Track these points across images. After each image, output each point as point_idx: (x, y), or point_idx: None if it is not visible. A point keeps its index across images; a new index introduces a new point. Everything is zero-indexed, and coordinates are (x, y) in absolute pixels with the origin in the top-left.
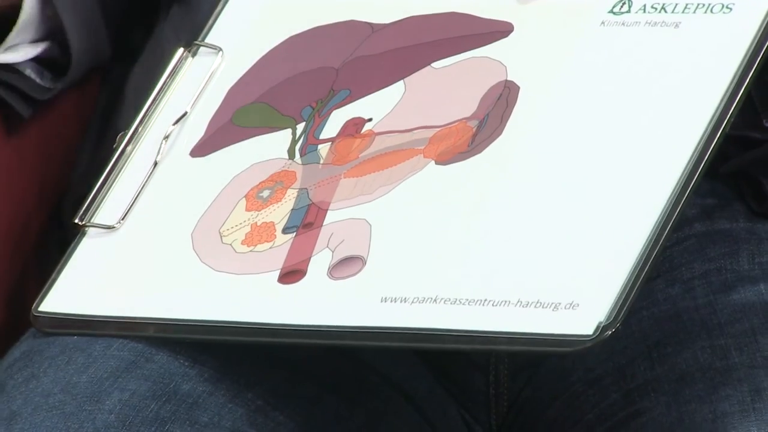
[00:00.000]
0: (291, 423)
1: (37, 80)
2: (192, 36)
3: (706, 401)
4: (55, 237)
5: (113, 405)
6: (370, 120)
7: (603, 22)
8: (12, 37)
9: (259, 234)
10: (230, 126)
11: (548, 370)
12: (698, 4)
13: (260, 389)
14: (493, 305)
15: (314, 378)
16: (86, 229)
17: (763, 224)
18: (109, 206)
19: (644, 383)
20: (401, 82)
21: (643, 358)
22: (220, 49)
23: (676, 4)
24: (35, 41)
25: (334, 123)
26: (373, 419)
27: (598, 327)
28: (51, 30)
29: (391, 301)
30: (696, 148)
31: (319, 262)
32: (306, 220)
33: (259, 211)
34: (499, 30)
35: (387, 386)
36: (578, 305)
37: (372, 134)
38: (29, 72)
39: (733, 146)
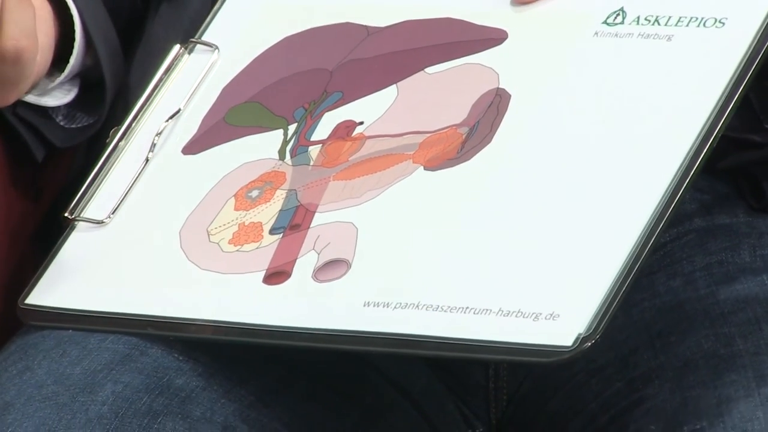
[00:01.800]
0: (285, 418)
1: (63, 124)
2: (182, 32)
3: (710, 387)
4: (52, 232)
5: (106, 397)
6: (361, 123)
7: (596, 33)
8: (53, 85)
9: (246, 234)
10: (223, 124)
11: None
12: (692, 18)
13: (254, 385)
14: (474, 313)
15: (310, 374)
16: (75, 223)
17: (764, 219)
18: (99, 201)
19: (648, 371)
20: (394, 86)
21: (646, 348)
22: (216, 48)
23: (670, 17)
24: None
25: (326, 125)
26: (370, 415)
27: (577, 338)
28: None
29: (374, 306)
30: (683, 161)
31: (305, 264)
32: (293, 222)
33: (248, 210)
34: (493, 37)
35: (384, 381)
36: (559, 316)
37: (362, 137)
38: (60, 118)
39: (732, 148)
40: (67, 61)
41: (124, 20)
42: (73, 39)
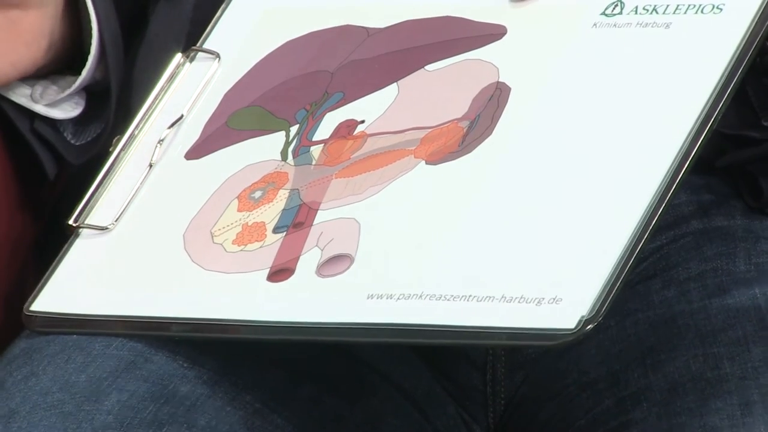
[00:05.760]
0: (290, 425)
1: (73, 141)
2: (182, 31)
3: (696, 414)
4: (53, 238)
5: (112, 406)
6: (362, 122)
7: (595, 24)
8: (62, 96)
9: (249, 234)
10: (225, 129)
11: (544, 369)
12: (689, 5)
13: (259, 391)
14: (477, 301)
15: (313, 378)
16: (80, 230)
17: (761, 221)
18: (103, 208)
19: (637, 391)
20: (394, 84)
21: (637, 364)
22: (218, 55)
23: (668, 5)
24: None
25: (328, 125)
26: (373, 419)
27: (580, 321)
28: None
29: (378, 298)
30: (682, 146)
31: (308, 260)
32: (296, 220)
33: (251, 211)
34: (492, 33)
35: (386, 385)
36: (561, 300)
37: (364, 136)
38: (69, 135)
39: (731, 145)
40: (74, 73)
41: (127, 19)
42: (85, 52)
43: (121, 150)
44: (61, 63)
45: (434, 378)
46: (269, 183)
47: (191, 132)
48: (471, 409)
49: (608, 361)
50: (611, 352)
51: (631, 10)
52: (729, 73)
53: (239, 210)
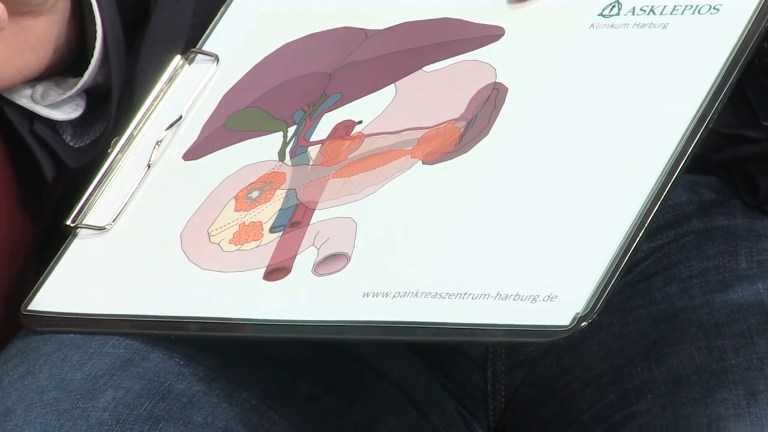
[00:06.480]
0: (286, 422)
1: (72, 143)
2: (182, 25)
3: (701, 404)
4: (53, 238)
5: (107, 402)
6: (360, 122)
7: (592, 25)
8: (63, 97)
9: (246, 233)
10: (223, 130)
11: (545, 367)
12: (686, 6)
13: (255, 388)
14: (473, 298)
15: (311, 377)
16: (78, 230)
17: (762, 221)
18: (101, 208)
19: (641, 384)
20: (392, 85)
21: (640, 359)
22: (216, 57)
23: (665, 6)
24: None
25: (325, 126)
26: (371, 417)
27: (574, 318)
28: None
29: (373, 296)
30: (678, 145)
31: (305, 259)
32: (293, 219)
33: (248, 211)
34: (490, 34)
35: (385, 384)
36: (556, 297)
37: (361, 136)
38: (66, 134)
39: (729, 144)
40: (75, 74)
41: (129, 20)
42: (87, 54)
43: (120, 151)
44: (64, 65)
45: (433, 376)
46: (266, 183)
47: (189, 133)
48: (471, 407)
49: (611, 357)
50: (614, 348)
51: (629, 11)
52: (725, 73)
53: (236, 210)
